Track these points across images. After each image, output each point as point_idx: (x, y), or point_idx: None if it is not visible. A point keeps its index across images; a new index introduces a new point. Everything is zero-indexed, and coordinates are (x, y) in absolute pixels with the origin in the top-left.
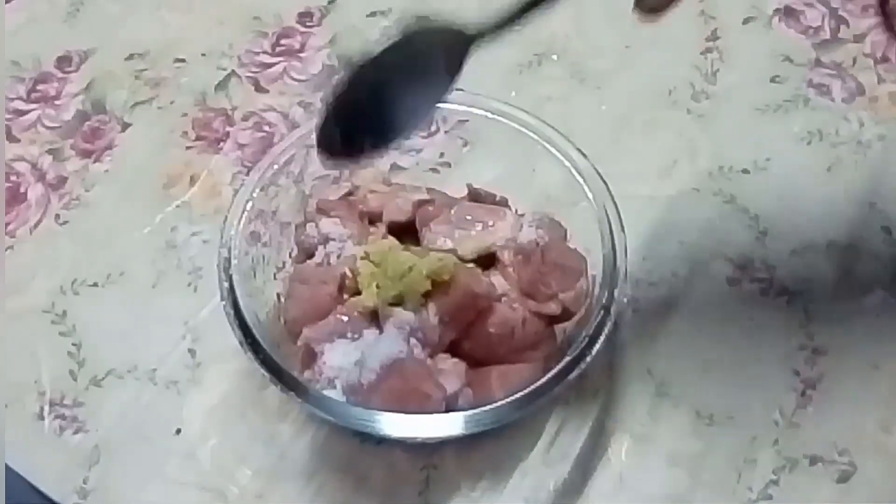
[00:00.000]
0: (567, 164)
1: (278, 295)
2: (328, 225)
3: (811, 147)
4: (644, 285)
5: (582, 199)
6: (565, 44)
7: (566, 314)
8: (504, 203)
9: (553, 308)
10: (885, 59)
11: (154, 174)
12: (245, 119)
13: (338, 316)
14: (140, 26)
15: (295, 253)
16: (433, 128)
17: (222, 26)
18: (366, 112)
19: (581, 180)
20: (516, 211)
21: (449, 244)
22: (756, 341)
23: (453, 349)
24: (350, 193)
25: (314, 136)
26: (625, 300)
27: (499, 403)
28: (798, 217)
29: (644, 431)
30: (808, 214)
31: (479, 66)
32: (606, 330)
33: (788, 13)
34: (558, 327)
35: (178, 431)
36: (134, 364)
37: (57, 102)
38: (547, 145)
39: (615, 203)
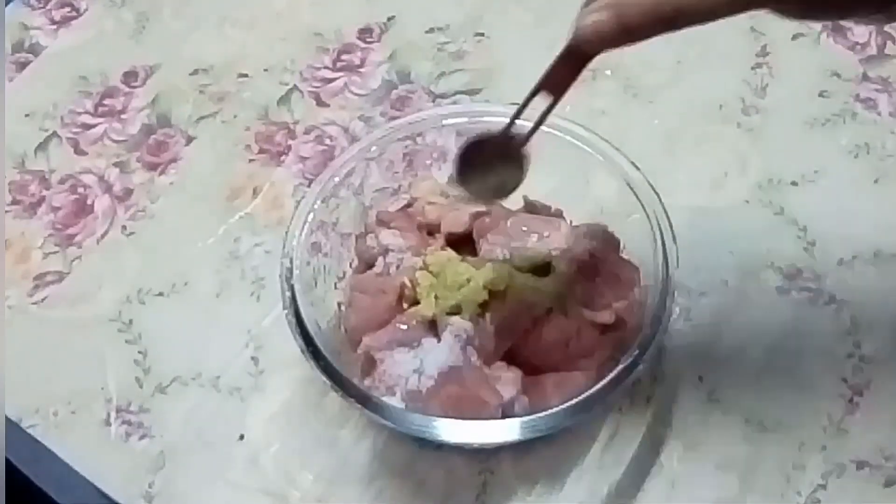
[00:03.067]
0: (621, 176)
1: (339, 304)
2: (388, 236)
3: (858, 160)
4: (695, 295)
5: (635, 210)
6: (619, 59)
7: (620, 323)
8: (559, 215)
9: (607, 317)
10: None
11: (218, 186)
12: (307, 132)
13: (397, 325)
14: (204, 42)
15: (355, 263)
16: None
17: (284, 42)
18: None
19: (634, 192)
20: (571, 222)
21: (505, 255)
22: (804, 349)
23: (509, 357)
24: (409, 205)
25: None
26: (677, 309)
27: (554, 410)
28: (846, 228)
29: (695, 437)
30: (856, 225)
31: (535, 83)
32: (659, 338)
33: (836, 29)
34: (612, 336)
35: (242, 437)
36: (198, 371)
37: (123, 116)
38: (601, 158)
39: (667, 214)
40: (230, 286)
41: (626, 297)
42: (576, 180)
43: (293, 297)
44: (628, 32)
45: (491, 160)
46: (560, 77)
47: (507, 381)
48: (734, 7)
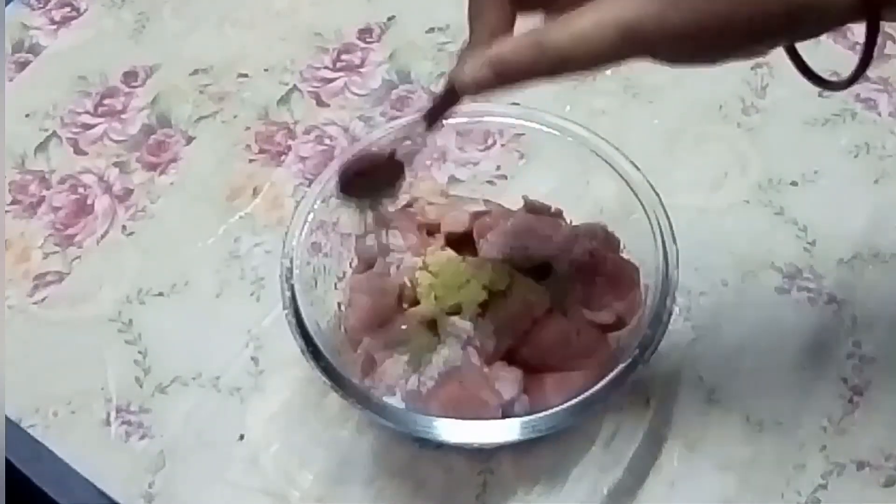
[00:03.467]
0: (621, 176)
1: (339, 304)
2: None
3: (858, 160)
4: (695, 294)
5: (635, 210)
6: None
7: (620, 323)
8: (559, 215)
9: (607, 317)
10: None
11: (218, 186)
12: (306, 132)
13: (397, 325)
14: (204, 42)
15: (355, 263)
16: (490, 141)
17: (284, 42)
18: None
19: (634, 192)
20: (571, 222)
21: (505, 255)
22: (804, 349)
23: (509, 357)
24: (409, 205)
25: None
26: (676, 309)
27: (554, 410)
28: (845, 228)
29: (695, 437)
30: (855, 225)
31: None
32: (659, 338)
33: (836, 30)
34: (612, 336)
35: (242, 437)
36: (198, 371)
37: (123, 116)
38: (601, 158)
39: (667, 214)
40: (230, 286)
41: (626, 297)
42: (576, 180)
43: (293, 297)
44: (508, 83)
45: (371, 179)
46: (438, 112)
47: (507, 381)
48: (611, 59)
